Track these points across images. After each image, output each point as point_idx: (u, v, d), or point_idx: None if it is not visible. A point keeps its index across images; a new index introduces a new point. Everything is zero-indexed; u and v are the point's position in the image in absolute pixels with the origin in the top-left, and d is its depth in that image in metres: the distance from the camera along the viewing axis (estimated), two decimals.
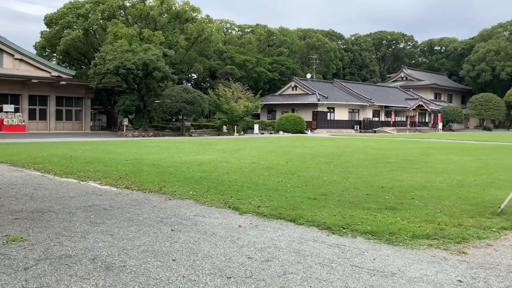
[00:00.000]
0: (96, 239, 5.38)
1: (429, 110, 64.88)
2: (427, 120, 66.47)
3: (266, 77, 64.41)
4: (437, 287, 4.01)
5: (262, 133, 46.56)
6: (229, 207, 7.33)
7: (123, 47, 37.20)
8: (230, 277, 4.19)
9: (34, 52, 50.20)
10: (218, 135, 41.59)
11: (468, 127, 73.98)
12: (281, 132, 46.66)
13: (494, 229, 5.98)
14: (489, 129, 69.32)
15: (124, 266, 4.45)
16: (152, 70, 35.67)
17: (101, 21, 47.74)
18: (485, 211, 7.03)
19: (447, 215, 6.73)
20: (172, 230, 5.89)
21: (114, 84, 42.00)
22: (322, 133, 48.51)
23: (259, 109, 51.96)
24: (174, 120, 49.40)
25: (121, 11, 49.42)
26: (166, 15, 49.45)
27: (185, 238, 5.51)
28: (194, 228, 5.99)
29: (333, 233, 5.79)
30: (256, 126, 47.48)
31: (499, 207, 7.03)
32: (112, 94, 46.90)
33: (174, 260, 4.65)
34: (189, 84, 62.14)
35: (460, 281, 4.17)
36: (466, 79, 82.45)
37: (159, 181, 9.92)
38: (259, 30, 75.52)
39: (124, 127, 39.65)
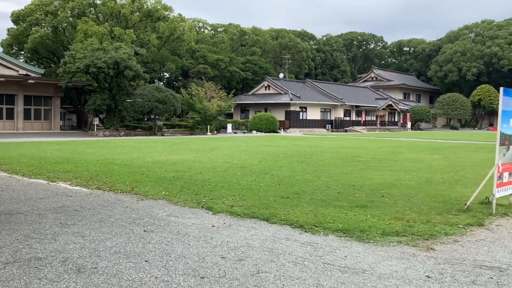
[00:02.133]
0: (67, 241, 5.29)
1: (398, 109, 66.20)
2: (396, 120, 67.78)
3: (239, 77, 64.40)
4: (406, 283, 4.12)
5: (235, 133, 46.54)
6: (202, 207, 7.33)
7: (93, 45, 36.48)
8: (203, 277, 4.20)
9: (0, 49, 48.70)
10: (191, 134, 41.35)
11: (436, 126, 75.85)
12: (254, 132, 46.74)
13: (460, 226, 6.18)
14: (456, 128, 71.29)
15: (95, 268, 4.40)
16: (124, 69, 35.14)
17: (70, 18, 46.63)
18: (452, 208, 7.24)
19: (416, 212, 6.91)
20: (144, 231, 5.85)
21: (84, 83, 41.18)
22: (295, 133, 48.86)
23: (232, 109, 51.89)
24: (146, 119, 48.81)
25: (92, 8, 48.46)
26: (137, 13, 48.81)
27: (158, 238, 5.48)
28: (167, 229, 5.96)
29: (305, 231, 5.87)
30: (229, 126, 47.41)
31: (465, 204, 7.25)
32: (82, 93, 45.97)
33: (147, 261, 4.62)
34: (161, 83, 61.52)
35: (428, 276, 4.29)
36: (434, 80, 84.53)
37: (131, 181, 9.81)
38: (232, 30, 75.48)
39: (95, 127, 38.93)
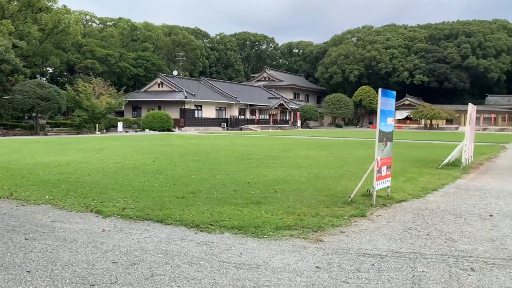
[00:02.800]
0: None
1: (289, 108, 69.05)
2: (287, 118, 70.64)
3: (130, 73, 62.20)
4: (297, 275, 4.29)
5: (126, 131, 44.86)
6: (91, 210, 6.93)
7: None
8: (93, 285, 3.97)
9: None
10: (78, 133, 38.96)
11: (323, 125, 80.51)
12: (147, 130, 45.49)
13: (345, 217, 6.61)
14: (340, 126, 76.34)
15: None
16: (0, 63, 31.98)
17: None
18: (338, 201, 7.72)
19: (306, 206, 7.24)
20: (26, 239, 5.37)
21: None
22: (190, 131, 48.51)
23: (123, 106, 50.04)
24: (26, 117, 44.94)
25: None
26: (16, 2, 44.71)
27: (41, 246, 5.07)
28: (51, 235, 5.54)
29: (201, 230, 5.84)
30: (120, 124, 45.59)
31: (350, 197, 7.78)
32: None
33: (28, 272, 4.25)
34: (44, 78, 57.08)
35: (317, 267, 4.52)
36: (320, 80, 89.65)
37: (10, 186, 8.96)
38: (122, 24, 72.57)
39: None
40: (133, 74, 62.80)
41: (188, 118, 52.52)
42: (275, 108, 65.92)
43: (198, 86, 59.11)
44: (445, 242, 5.48)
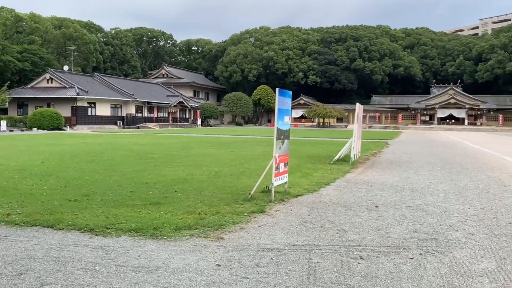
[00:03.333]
0: None
1: (189, 106, 68.52)
2: (187, 116, 70.05)
3: (15, 67, 57.19)
4: (198, 274, 4.28)
5: (11, 131, 41.20)
6: None
7: None
8: None
9: None
10: None
11: (223, 123, 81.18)
12: (35, 129, 42.22)
13: (245, 214, 6.73)
14: (240, 125, 77.57)
15: None
16: None
17: None
18: (238, 198, 7.84)
19: (206, 205, 7.24)
20: None
21: None
22: (83, 130, 45.94)
23: (7, 103, 45.99)
24: None
25: None
26: None
27: None
28: None
29: (96, 234, 5.56)
30: (3, 123, 41.77)
31: (250, 194, 7.94)
32: None
33: None
34: None
35: (218, 265, 4.54)
36: (220, 79, 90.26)
37: None
38: (5, 14, 66.30)
39: None
40: (18, 68, 57.81)
41: (80, 116, 49.68)
42: (174, 106, 64.98)
43: (92, 82, 56.17)
44: (337, 233, 5.83)
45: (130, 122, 56.14)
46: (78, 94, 48.31)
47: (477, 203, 8.05)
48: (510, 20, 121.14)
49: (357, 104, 15.40)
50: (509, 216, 6.95)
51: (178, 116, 67.14)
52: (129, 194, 8.18)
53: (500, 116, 73.26)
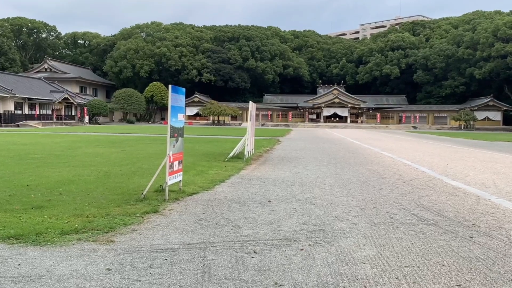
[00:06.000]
0: None
1: (75, 103, 64.55)
2: (74, 114, 65.94)
3: None
4: (87, 280, 4.04)
5: None
6: None
7: None
8: None
9: None
10: None
11: (113, 120, 77.77)
12: None
13: (138, 214, 6.51)
14: (132, 122, 75.01)
15: None
16: None
17: None
18: (130, 199, 7.56)
19: (95, 207, 6.88)
20: None
21: None
22: None
23: None
24: None
25: None
26: None
27: None
28: None
29: None
30: None
31: (142, 194, 7.71)
32: None
33: None
34: None
35: (108, 269, 4.33)
36: (110, 74, 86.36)
37: None
38: None
39: None
40: None
41: None
42: (59, 102, 60.75)
43: None
44: (232, 229, 5.91)
45: (8, 120, 51.29)
46: None
47: (359, 194, 8.71)
48: (386, 26, 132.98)
49: (250, 102, 15.76)
50: (386, 206, 7.61)
51: (63, 113, 62.87)
52: (8, 198, 7.47)
53: (378, 115, 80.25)
